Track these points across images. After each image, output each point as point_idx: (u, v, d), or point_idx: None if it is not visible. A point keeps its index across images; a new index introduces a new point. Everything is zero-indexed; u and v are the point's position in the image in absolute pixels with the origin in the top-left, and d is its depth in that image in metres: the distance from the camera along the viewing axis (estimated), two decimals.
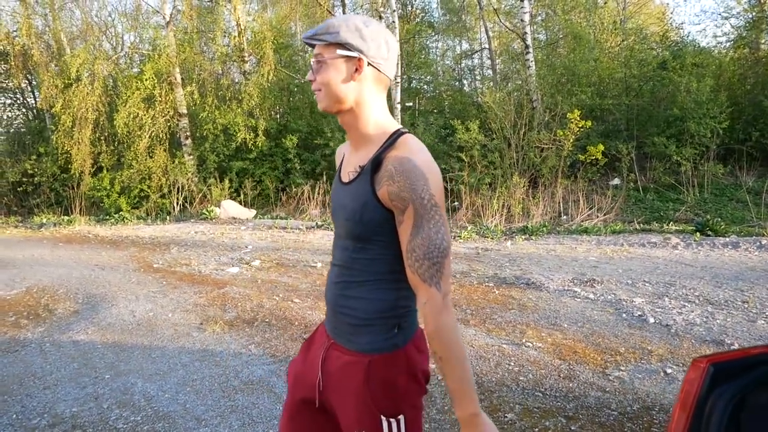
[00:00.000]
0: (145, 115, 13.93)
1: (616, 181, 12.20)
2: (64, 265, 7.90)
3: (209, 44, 16.29)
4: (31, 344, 4.75)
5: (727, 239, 7.66)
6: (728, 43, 15.55)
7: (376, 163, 1.34)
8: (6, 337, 4.96)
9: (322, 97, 1.39)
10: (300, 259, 7.75)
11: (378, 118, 1.41)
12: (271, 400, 3.47)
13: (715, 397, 1.23)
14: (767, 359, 1.30)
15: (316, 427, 1.55)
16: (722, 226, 8.38)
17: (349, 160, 1.47)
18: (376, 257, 1.39)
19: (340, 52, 1.34)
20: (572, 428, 2.98)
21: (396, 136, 1.38)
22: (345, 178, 1.46)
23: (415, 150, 1.32)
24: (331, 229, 10.52)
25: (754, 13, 14.73)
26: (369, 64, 1.36)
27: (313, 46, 1.40)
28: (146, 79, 13.83)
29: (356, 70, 1.36)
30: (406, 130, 1.41)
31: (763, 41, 15.05)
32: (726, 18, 15.61)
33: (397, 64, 1.25)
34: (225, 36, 15.41)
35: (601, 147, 11.22)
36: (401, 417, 1.38)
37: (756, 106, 12.56)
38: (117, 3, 28.88)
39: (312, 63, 1.40)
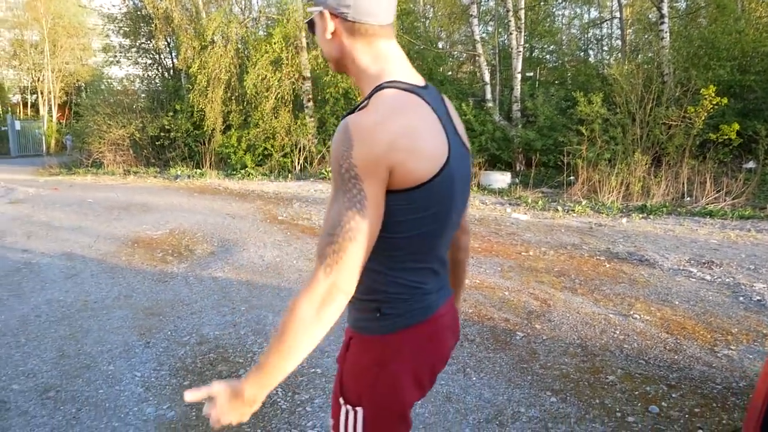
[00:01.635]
0: (272, 77, 14.68)
1: (751, 164, 11.40)
2: (199, 212, 8.75)
3: None
4: (178, 276, 5.43)
5: None
6: None
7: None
8: (156, 269, 5.69)
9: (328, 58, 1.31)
10: None
11: (367, 72, 1.24)
12: None
13: None
14: None
15: None
16: None
17: None
18: None
19: (309, 9, 1.27)
20: (673, 395, 3.07)
21: (374, 92, 1.17)
22: None
23: (367, 110, 1.13)
24: None
25: None
26: (333, 15, 1.21)
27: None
28: (275, 43, 14.54)
29: (325, 24, 1.23)
30: (391, 82, 1.19)
31: None
32: None
33: (387, 4, 1.16)
34: None
35: (736, 126, 10.52)
36: (359, 410, 1.27)
37: None
38: None
39: None
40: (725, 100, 10.51)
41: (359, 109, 1.14)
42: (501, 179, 12.05)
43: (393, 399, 1.26)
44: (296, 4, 14.80)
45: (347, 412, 1.27)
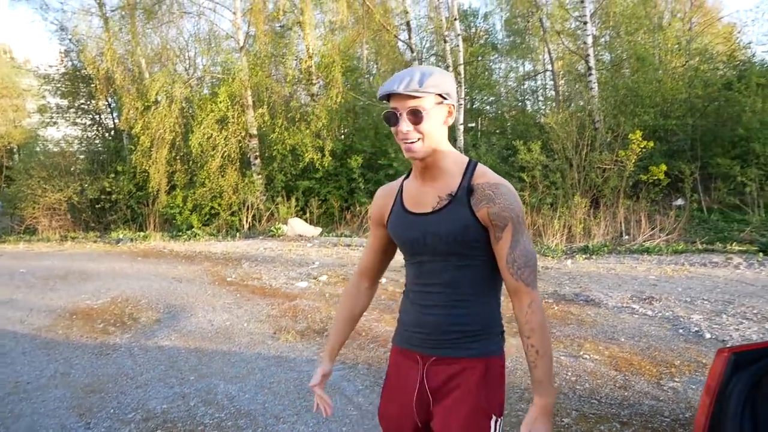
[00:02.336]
0: (218, 135, 14.67)
1: (680, 201, 12.03)
2: (143, 278, 8.50)
3: (280, 68, 17.00)
4: (121, 348, 5.23)
5: None
6: None
7: (470, 189, 1.53)
8: (97, 342, 5.46)
9: (420, 146, 1.52)
10: None
11: (452, 151, 1.61)
12: (342, 402, 3.78)
13: (735, 382, 1.46)
14: None
15: None
16: None
17: (421, 191, 1.62)
18: (477, 273, 1.57)
19: (439, 101, 1.51)
20: None
21: (473, 166, 1.59)
22: (423, 208, 1.60)
23: (497, 177, 1.57)
24: None
25: None
26: (452, 108, 1.56)
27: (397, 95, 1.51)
28: (220, 102, 14.60)
29: (448, 114, 1.56)
30: (475, 160, 1.63)
31: None
32: None
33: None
34: (295, 60, 16.08)
35: (664, 167, 11.15)
36: (502, 417, 1.59)
37: None
38: (192, 28, 30.20)
39: (403, 113, 1.50)
40: (651, 144, 11.16)
41: (473, 178, 1.56)
42: None
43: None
44: (242, 63, 14.97)
45: (497, 422, 1.57)
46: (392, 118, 1.52)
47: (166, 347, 5.18)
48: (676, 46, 16.04)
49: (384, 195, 1.77)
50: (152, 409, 3.82)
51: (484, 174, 1.56)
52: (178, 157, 15.55)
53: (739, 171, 11.19)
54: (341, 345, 1.90)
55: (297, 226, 13.23)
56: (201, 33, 17.82)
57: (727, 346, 1.55)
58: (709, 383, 1.51)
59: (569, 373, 4.07)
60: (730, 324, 5.01)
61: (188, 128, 15.32)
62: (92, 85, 16.96)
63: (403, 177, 1.74)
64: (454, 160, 1.59)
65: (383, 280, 7.68)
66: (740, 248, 8.72)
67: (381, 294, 6.83)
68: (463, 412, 1.55)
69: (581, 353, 4.48)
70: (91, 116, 19.20)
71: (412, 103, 1.47)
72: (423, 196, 1.61)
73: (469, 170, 1.57)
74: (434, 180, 1.59)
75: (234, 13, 15.37)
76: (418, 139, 1.50)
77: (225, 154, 14.77)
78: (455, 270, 1.56)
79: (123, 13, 16.80)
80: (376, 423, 3.43)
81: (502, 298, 1.66)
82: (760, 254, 8.00)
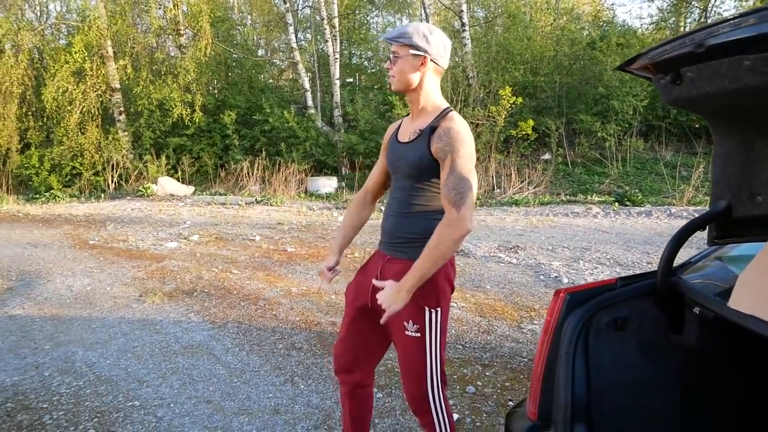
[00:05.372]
0: (75, 89, 13.48)
1: (547, 155, 12.76)
2: None
3: (143, 16, 15.84)
4: None
5: (642, 209, 8.26)
6: (651, 25, 16.34)
7: (432, 128, 1.89)
8: None
9: (395, 82, 1.94)
10: (239, 233, 7.86)
11: (434, 97, 1.96)
12: (210, 362, 3.66)
13: (569, 320, 1.53)
14: (609, 288, 1.60)
15: (370, 326, 2.10)
16: (639, 197, 9.00)
17: (407, 126, 2.03)
18: (425, 195, 1.93)
19: (411, 51, 1.88)
20: (487, 374, 3.31)
21: (446, 111, 1.93)
22: (404, 138, 2.01)
23: (458, 122, 1.87)
24: (270, 204, 10.73)
25: None
26: (431, 60, 1.90)
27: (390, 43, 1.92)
28: (75, 52, 13.35)
29: (422, 64, 1.90)
30: (452, 108, 1.96)
31: (682, 24, 15.88)
32: (651, 0, 16.35)
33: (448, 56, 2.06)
34: (159, 8, 15.02)
35: (531, 122, 11.72)
36: (439, 309, 1.91)
37: None
38: None
39: (390, 56, 1.93)
40: (520, 100, 11.65)
41: (440, 120, 1.89)
42: (328, 184, 12.22)
43: (449, 296, 1.99)
44: (99, 11, 13.74)
45: (431, 313, 1.90)
46: (388, 59, 1.95)
47: (18, 316, 4.74)
48: (546, 4, 16.72)
49: (390, 127, 2.21)
50: (1, 382, 3.49)
51: (449, 119, 1.89)
52: (30, 113, 14.23)
53: (599, 127, 11.99)
54: (346, 245, 2.31)
55: (168, 185, 12.59)
56: None
57: (563, 287, 1.61)
58: (547, 322, 1.57)
59: None
60: (585, 269, 5.40)
61: (41, 81, 14.00)
62: None
63: (406, 115, 2.16)
64: (434, 106, 1.96)
65: (257, 237, 7.51)
66: (599, 199, 9.43)
67: (255, 252, 6.68)
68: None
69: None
70: None
71: (392, 48, 1.91)
72: (407, 130, 2.03)
73: (441, 114, 1.93)
74: (416, 118, 2.01)
75: None
76: (393, 77, 1.92)
77: (84, 109, 13.64)
78: (410, 189, 1.95)
79: None
80: (245, 379, 3.39)
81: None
82: (616, 204, 8.69)
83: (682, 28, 15.86)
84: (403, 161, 1.97)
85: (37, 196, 13.04)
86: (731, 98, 1.29)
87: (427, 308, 1.89)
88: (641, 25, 18.87)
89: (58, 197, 12.76)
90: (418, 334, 1.91)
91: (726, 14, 15.91)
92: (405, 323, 1.91)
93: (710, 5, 14.94)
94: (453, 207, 1.77)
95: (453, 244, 1.77)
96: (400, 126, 2.13)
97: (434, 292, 1.90)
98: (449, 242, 1.77)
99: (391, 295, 1.83)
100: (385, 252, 2.06)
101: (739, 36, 1.10)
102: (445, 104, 1.98)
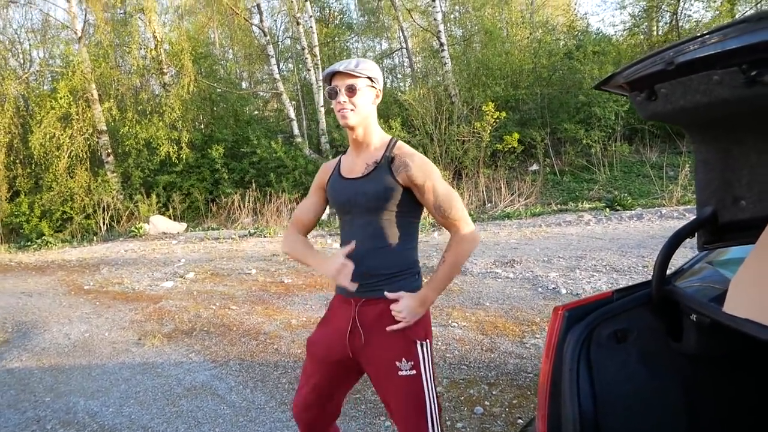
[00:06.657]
0: (62, 134, 13.53)
1: (534, 166, 12.85)
2: None
3: (125, 58, 15.95)
4: None
5: (633, 212, 8.32)
6: (624, 32, 16.61)
7: (390, 158, 1.90)
8: None
9: (353, 116, 1.87)
10: (234, 267, 7.84)
11: (378, 129, 2.00)
12: (214, 402, 3.63)
13: (570, 336, 1.54)
14: (607, 301, 1.62)
15: (348, 377, 2.06)
16: (629, 201, 9.07)
17: (353, 161, 1.99)
18: (394, 225, 1.90)
19: (370, 84, 1.89)
20: (493, 393, 3.31)
21: (394, 142, 1.97)
22: (354, 174, 1.95)
23: (411, 149, 1.95)
24: (264, 236, 10.68)
25: (645, 2, 15.81)
26: (379, 93, 1.95)
27: (332, 75, 1.88)
28: (61, 98, 13.43)
29: (376, 96, 1.94)
30: (396, 138, 2.02)
31: (654, 28, 16.18)
32: (623, 7, 16.64)
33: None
34: (141, 48, 15.13)
35: (516, 135, 11.83)
36: (427, 340, 1.89)
37: None
38: (22, 19, 27.45)
39: (341, 89, 1.85)
40: (504, 114, 11.78)
41: (394, 150, 1.92)
42: None
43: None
44: (82, 55, 13.83)
45: (422, 345, 1.86)
46: (333, 93, 1.88)
47: (16, 369, 4.69)
48: (521, 19, 16.97)
49: (326, 166, 2.15)
50: None
51: (401, 147, 1.94)
52: (18, 161, 14.24)
53: (584, 134, 12.12)
54: (312, 247, 2.12)
55: (159, 223, 12.56)
56: (34, 24, 16.26)
57: (562, 304, 1.63)
58: (548, 340, 1.59)
59: (439, 342, 4.20)
60: (582, 278, 5.42)
61: (27, 129, 14.03)
62: None
63: (341, 154, 2.12)
64: (380, 138, 1.98)
65: (253, 271, 7.49)
66: (590, 206, 9.49)
67: (252, 286, 6.66)
68: (392, 344, 1.86)
69: (450, 322, 4.64)
70: None
71: (349, 81, 1.85)
72: (354, 165, 1.98)
73: (390, 145, 1.95)
74: (364, 152, 1.97)
75: (68, 1, 14.10)
76: (352, 110, 1.85)
77: (72, 153, 13.66)
78: (378, 222, 1.89)
79: None
80: (251, 418, 3.36)
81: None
82: (607, 209, 8.75)
83: (654, 33, 16.13)
84: (364, 196, 1.88)
85: (29, 243, 12.96)
86: (705, 111, 1.33)
87: (417, 341, 1.86)
88: (615, 32, 19.24)
89: (50, 243, 12.69)
90: (414, 372, 1.83)
91: (695, 16, 16.25)
92: (397, 363, 1.83)
93: (680, 9, 15.21)
94: (459, 224, 1.87)
95: (468, 257, 1.92)
96: (338, 164, 2.06)
97: (421, 322, 1.88)
98: (467, 256, 1.90)
99: (415, 308, 1.83)
100: (356, 296, 1.89)
101: (705, 54, 1.15)
102: (387, 135, 2.02)
